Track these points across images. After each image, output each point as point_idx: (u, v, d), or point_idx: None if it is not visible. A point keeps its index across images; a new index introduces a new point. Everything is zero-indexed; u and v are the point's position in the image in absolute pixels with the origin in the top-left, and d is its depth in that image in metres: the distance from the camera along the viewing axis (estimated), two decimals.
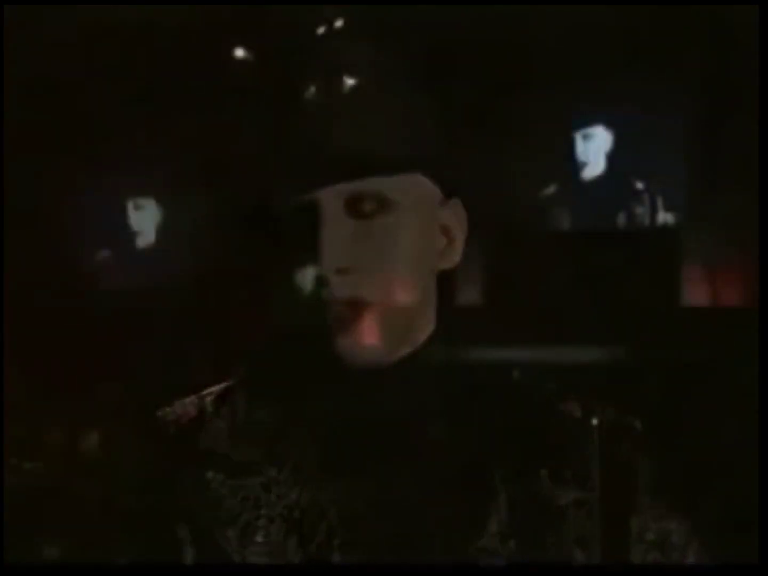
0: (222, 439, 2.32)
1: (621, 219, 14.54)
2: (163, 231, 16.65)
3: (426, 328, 2.36)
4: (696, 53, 12.75)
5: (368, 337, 2.20)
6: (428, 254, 2.34)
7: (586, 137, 15.09)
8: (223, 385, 2.56)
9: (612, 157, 14.74)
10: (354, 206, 2.22)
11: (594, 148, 14.92)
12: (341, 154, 2.19)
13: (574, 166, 15.22)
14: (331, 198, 2.20)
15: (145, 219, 16.72)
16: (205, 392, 2.55)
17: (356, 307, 2.21)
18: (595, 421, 2.54)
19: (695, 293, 13.38)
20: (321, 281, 2.23)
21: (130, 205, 16.75)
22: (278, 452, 2.27)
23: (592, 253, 14.84)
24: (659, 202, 14.25)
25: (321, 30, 13.18)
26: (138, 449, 2.58)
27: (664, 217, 14.10)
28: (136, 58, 14.27)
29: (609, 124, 14.74)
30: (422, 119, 2.44)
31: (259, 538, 2.21)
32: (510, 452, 2.33)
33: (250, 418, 2.35)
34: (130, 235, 16.69)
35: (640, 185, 14.45)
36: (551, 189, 15.29)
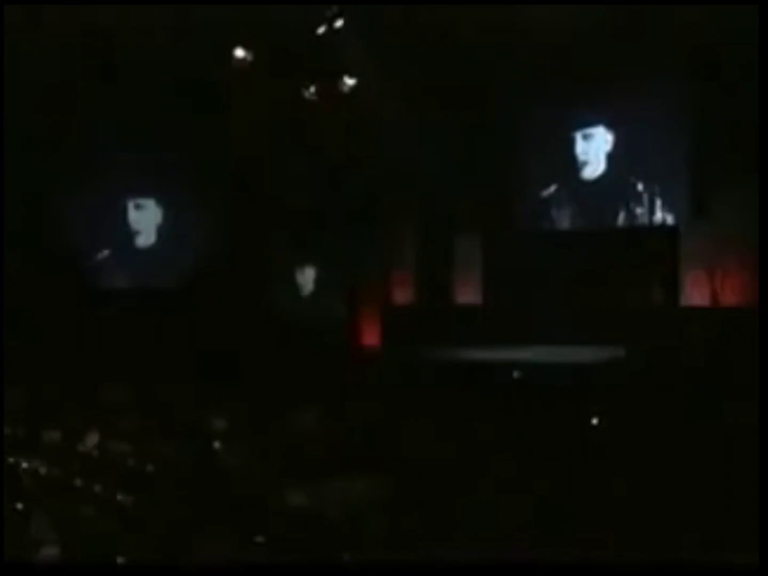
0: None
1: (621, 219, 14.58)
2: (163, 231, 16.69)
3: None
4: (696, 54, 12.74)
5: None
6: None
7: (586, 137, 15.13)
8: None
9: (612, 157, 14.80)
10: None
11: (594, 148, 14.97)
12: None
13: (574, 166, 15.30)
14: None
15: (145, 219, 16.77)
16: None
17: None
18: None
19: (695, 293, 13.40)
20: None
21: (130, 205, 16.82)
22: None
23: (592, 253, 14.89)
24: (659, 202, 14.27)
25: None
26: None
27: (663, 217, 14.13)
28: (136, 59, 14.28)
29: (609, 124, 14.80)
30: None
31: None
32: None
33: None
34: (130, 235, 16.74)
35: (640, 185, 14.50)
36: (551, 189, 15.36)
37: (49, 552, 6.25)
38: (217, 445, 9.72)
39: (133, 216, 16.32)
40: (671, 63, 13.19)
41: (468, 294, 15.32)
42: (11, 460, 8.80)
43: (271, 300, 16.13)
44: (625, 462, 8.31)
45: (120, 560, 6.19)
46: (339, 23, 13.16)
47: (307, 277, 16.48)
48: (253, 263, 15.81)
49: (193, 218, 16.03)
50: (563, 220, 14.91)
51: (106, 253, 16.00)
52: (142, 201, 16.29)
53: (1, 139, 14.34)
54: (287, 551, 6.45)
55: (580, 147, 14.72)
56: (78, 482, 8.16)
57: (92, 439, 9.78)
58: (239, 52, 13.82)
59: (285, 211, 15.75)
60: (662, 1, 12.31)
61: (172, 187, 16.17)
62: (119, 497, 7.62)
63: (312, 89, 14.42)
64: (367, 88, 14.12)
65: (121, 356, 14.00)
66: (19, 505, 7.28)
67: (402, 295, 15.74)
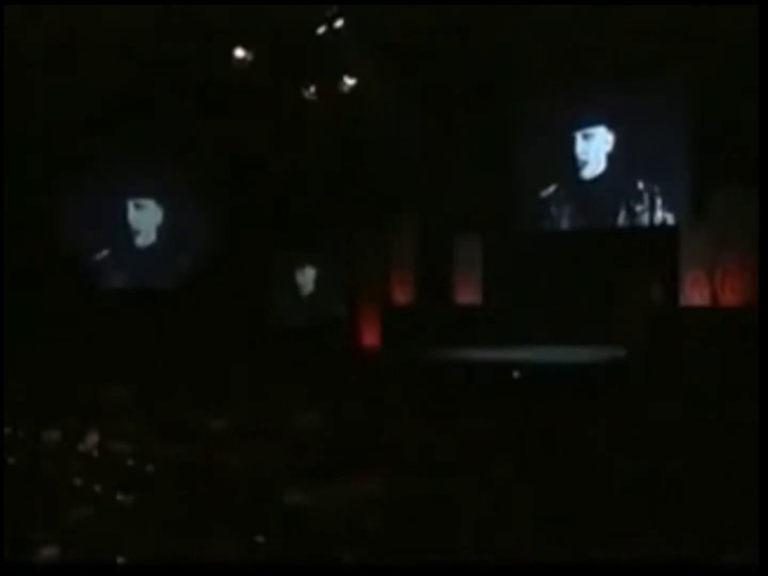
0: None
1: (621, 219, 14.59)
2: (163, 231, 16.70)
3: None
4: (696, 54, 12.74)
5: None
6: None
7: (586, 137, 15.14)
8: None
9: (612, 157, 14.81)
10: None
11: (594, 148, 14.98)
12: None
13: (574, 165, 15.30)
14: None
15: (145, 219, 16.77)
16: None
17: None
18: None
19: (695, 293, 13.40)
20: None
21: (130, 205, 16.83)
22: None
23: (592, 253, 14.89)
24: (659, 202, 14.28)
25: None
26: None
27: (663, 216, 14.14)
28: (136, 59, 14.28)
29: (609, 124, 14.81)
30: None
31: None
32: None
33: None
34: (130, 234, 16.75)
35: (640, 185, 14.51)
36: (551, 189, 15.37)
37: (49, 552, 6.25)
38: (217, 445, 9.72)
39: (133, 216, 16.33)
40: (671, 62, 13.19)
41: (468, 294, 15.33)
42: (11, 460, 8.80)
43: (271, 300, 16.13)
44: (625, 462, 8.31)
45: (120, 560, 6.18)
46: (339, 23, 13.17)
47: (307, 277, 16.49)
48: (253, 263, 15.81)
49: (193, 218, 16.04)
50: (563, 220, 14.92)
51: (105, 252, 16.01)
52: (142, 201, 16.30)
53: (1, 139, 14.34)
54: (287, 551, 6.45)
55: (581, 147, 14.73)
56: (78, 482, 8.15)
57: (92, 439, 9.78)
58: (239, 52, 13.82)
59: (285, 211, 15.75)
60: (664, 1, 12.31)
61: (172, 187, 16.17)
62: (119, 497, 7.62)
63: (312, 89, 14.43)
64: (367, 88, 14.12)
65: (120, 356, 14.00)
66: (19, 505, 7.27)
67: (402, 295, 15.74)
